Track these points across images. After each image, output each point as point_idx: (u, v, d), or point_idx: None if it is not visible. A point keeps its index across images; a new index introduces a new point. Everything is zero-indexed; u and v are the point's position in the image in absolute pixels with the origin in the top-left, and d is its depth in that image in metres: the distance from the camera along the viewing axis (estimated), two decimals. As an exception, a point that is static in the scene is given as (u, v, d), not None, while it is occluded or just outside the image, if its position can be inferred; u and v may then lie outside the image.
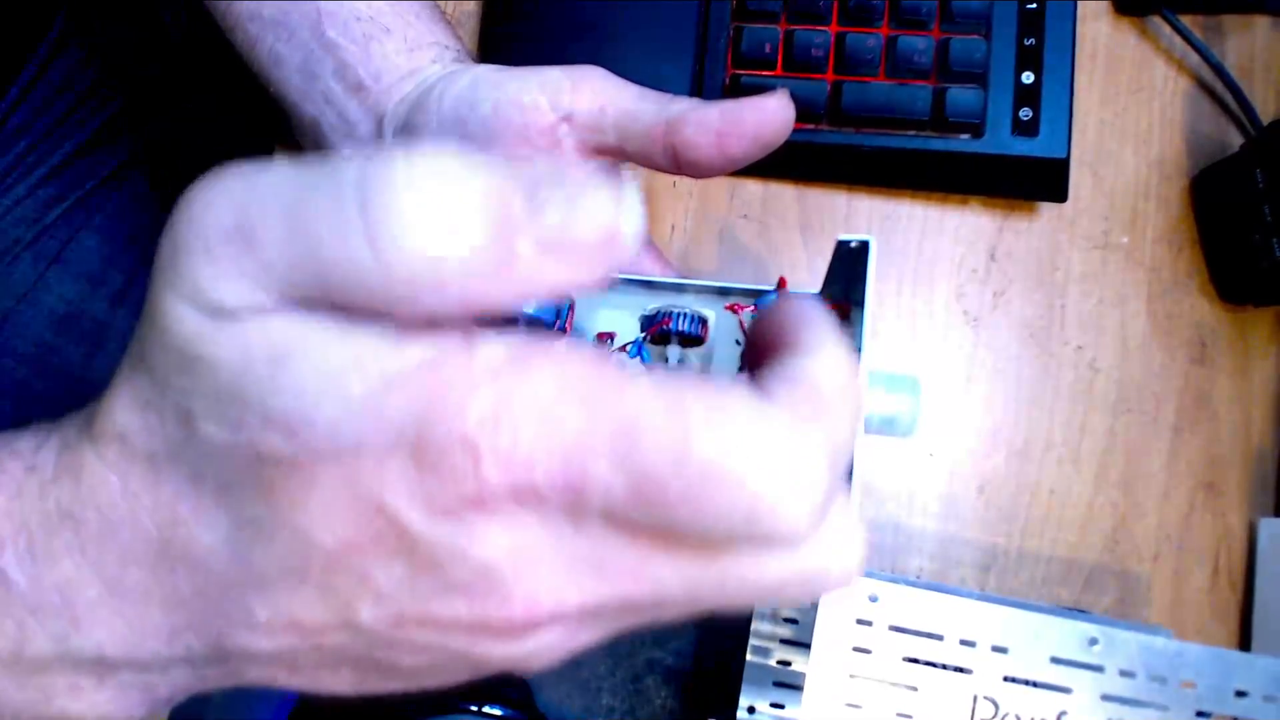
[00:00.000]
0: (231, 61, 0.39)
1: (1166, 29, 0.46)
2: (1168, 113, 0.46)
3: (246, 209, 0.15)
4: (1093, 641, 0.31)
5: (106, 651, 0.19)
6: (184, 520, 0.18)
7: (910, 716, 0.31)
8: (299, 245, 0.15)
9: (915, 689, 0.31)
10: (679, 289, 0.33)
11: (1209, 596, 0.43)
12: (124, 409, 0.18)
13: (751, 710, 0.39)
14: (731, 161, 0.30)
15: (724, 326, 0.34)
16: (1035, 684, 0.31)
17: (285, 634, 0.18)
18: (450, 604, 0.17)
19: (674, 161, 0.31)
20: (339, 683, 0.20)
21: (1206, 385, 0.44)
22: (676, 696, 0.43)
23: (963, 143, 0.43)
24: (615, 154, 0.32)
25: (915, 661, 0.31)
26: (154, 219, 0.58)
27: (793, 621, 0.40)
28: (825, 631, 0.31)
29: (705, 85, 0.44)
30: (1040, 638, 0.31)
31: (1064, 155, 0.43)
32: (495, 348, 0.16)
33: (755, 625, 0.40)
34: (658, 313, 0.33)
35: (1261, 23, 0.46)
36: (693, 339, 0.33)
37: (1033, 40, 0.43)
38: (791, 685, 0.39)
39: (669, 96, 0.31)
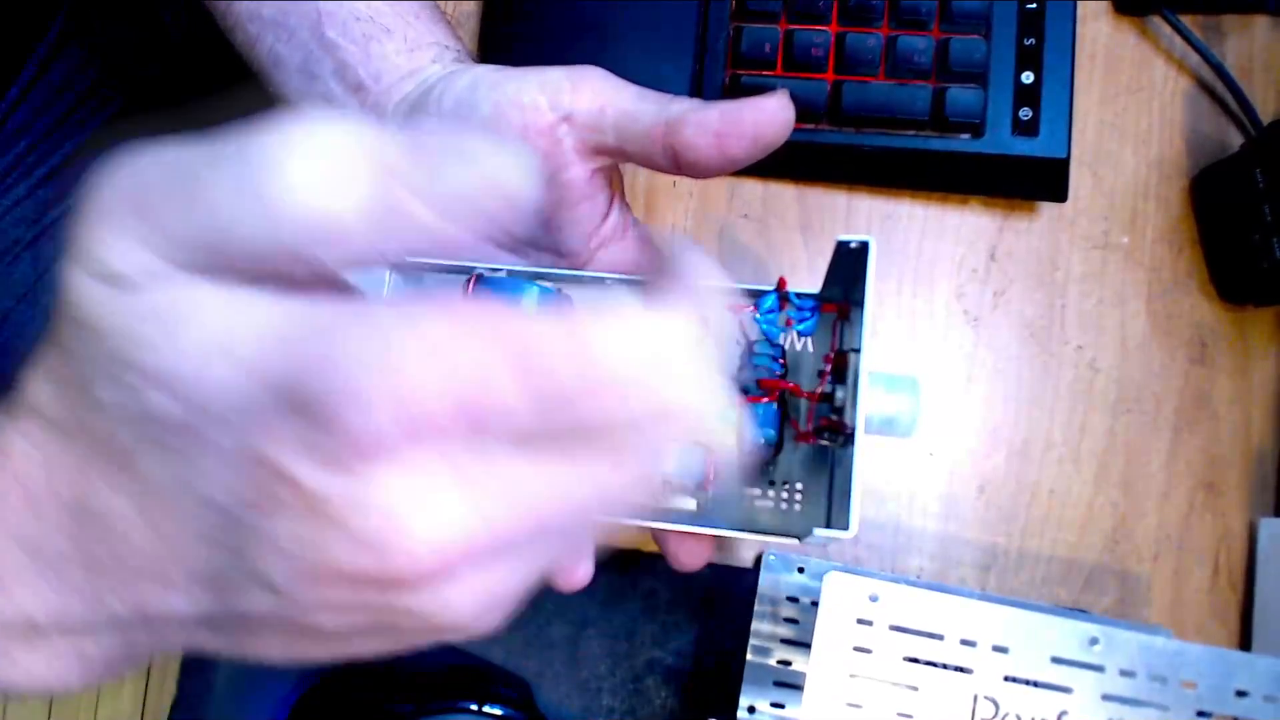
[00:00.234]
0: (231, 61, 0.39)
1: (1166, 29, 0.46)
2: (1167, 113, 0.46)
3: (142, 178, 0.16)
4: (1093, 641, 0.31)
5: (33, 615, 0.20)
6: (96, 488, 0.18)
7: (911, 716, 0.31)
8: (191, 208, 0.16)
9: (916, 689, 0.31)
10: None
11: (1209, 596, 0.43)
12: (37, 382, 0.19)
13: (752, 710, 0.39)
14: (731, 162, 0.30)
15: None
16: (1036, 684, 0.31)
17: (202, 595, 0.18)
18: (356, 557, 0.16)
19: (674, 162, 0.31)
20: (268, 648, 0.20)
21: (1206, 385, 0.44)
22: (676, 696, 0.43)
23: (963, 143, 0.43)
24: (615, 154, 0.32)
25: (916, 661, 0.31)
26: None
27: (793, 621, 0.40)
28: (825, 631, 0.31)
29: (705, 85, 0.44)
30: (1041, 637, 0.31)
31: (1064, 155, 0.43)
32: (377, 302, 0.17)
33: (755, 625, 0.40)
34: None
35: (1261, 22, 0.46)
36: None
37: (1032, 40, 0.43)
38: (792, 685, 0.39)
39: (669, 97, 0.31)
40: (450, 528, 0.16)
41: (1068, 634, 0.31)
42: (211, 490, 0.17)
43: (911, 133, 0.43)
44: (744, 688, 0.39)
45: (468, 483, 0.16)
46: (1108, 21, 0.47)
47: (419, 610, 0.18)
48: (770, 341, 0.33)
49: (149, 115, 0.59)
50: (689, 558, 0.33)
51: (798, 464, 0.33)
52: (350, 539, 0.16)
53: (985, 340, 0.45)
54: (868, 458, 0.44)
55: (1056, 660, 0.31)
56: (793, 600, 0.40)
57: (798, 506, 0.33)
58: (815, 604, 0.33)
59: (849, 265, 0.30)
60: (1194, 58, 0.46)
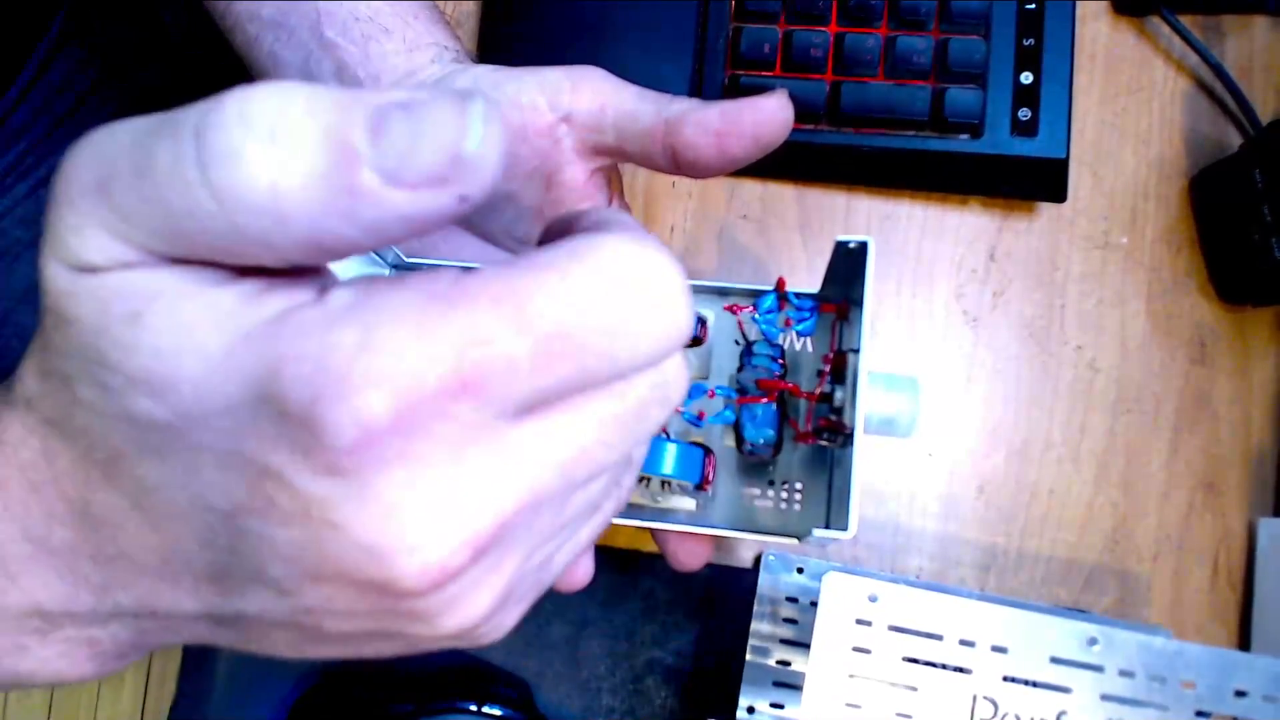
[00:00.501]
0: (231, 62, 0.39)
1: (1165, 29, 0.46)
2: (1167, 113, 0.46)
3: (104, 160, 0.15)
4: (1092, 641, 0.31)
5: (43, 604, 0.19)
6: (95, 483, 0.18)
7: (910, 716, 0.31)
8: (147, 190, 0.15)
9: (915, 689, 0.31)
10: None
11: (1208, 596, 0.43)
12: (30, 374, 0.18)
13: (751, 710, 0.39)
14: (731, 162, 0.30)
15: (723, 326, 0.34)
16: (1035, 684, 0.31)
17: (208, 593, 0.18)
18: (359, 563, 0.16)
19: (673, 162, 0.31)
20: (275, 645, 0.19)
21: (1206, 385, 0.44)
22: (676, 696, 0.43)
23: (962, 143, 0.43)
24: (614, 154, 0.32)
25: (915, 661, 0.31)
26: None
27: (792, 622, 0.40)
28: (825, 631, 0.31)
29: (704, 85, 0.44)
30: (1040, 638, 0.31)
31: (1063, 155, 0.43)
32: (344, 289, 0.16)
33: (755, 625, 0.40)
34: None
35: (1260, 23, 0.46)
36: (692, 339, 0.33)
37: (1032, 40, 0.43)
38: (791, 685, 0.39)
39: (668, 97, 0.31)
40: (454, 524, 0.16)
41: (1067, 634, 0.31)
42: (206, 493, 0.16)
43: (911, 133, 0.43)
44: (743, 688, 0.39)
45: (468, 468, 0.16)
46: (1107, 22, 0.47)
47: (428, 615, 0.17)
48: (769, 341, 0.33)
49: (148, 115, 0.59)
50: (689, 558, 0.33)
51: (797, 464, 0.33)
52: (351, 544, 0.15)
53: (985, 340, 0.45)
54: (867, 458, 0.44)
55: (1056, 660, 0.31)
56: (792, 600, 0.40)
57: (797, 506, 0.33)
58: (814, 604, 0.33)
59: (848, 265, 0.30)
60: (1193, 58, 0.46)
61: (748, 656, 0.39)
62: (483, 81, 0.33)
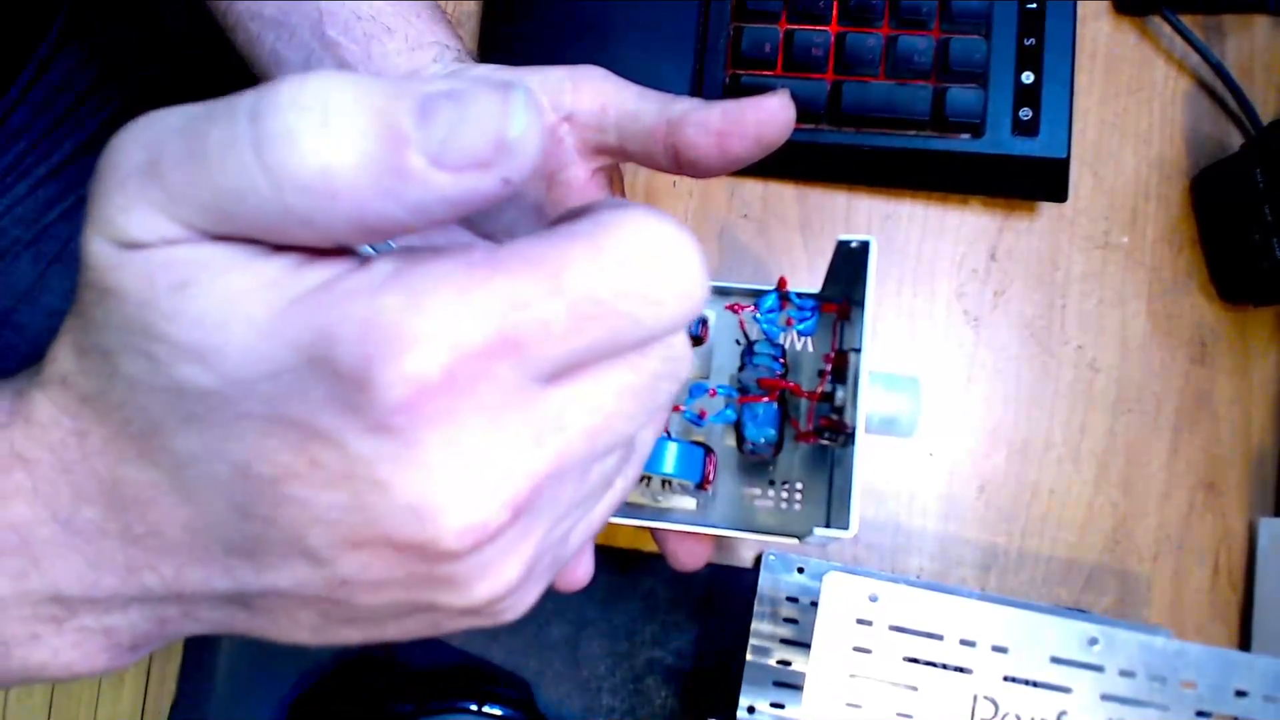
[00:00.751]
0: (232, 61, 0.38)
1: (1166, 29, 0.46)
2: (1168, 112, 0.46)
3: (154, 143, 0.16)
4: (1093, 641, 0.31)
5: (64, 589, 0.19)
6: (129, 459, 0.18)
7: (910, 716, 0.31)
8: (199, 170, 0.15)
9: (915, 689, 0.31)
10: None
11: (1209, 596, 0.43)
12: (64, 352, 0.18)
13: (751, 710, 0.39)
14: (733, 161, 0.30)
15: (724, 326, 0.34)
16: (1035, 684, 0.31)
17: (239, 569, 0.18)
18: (401, 522, 0.16)
19: (675, 161, 0.31)
20: (298, 627, 0.19)
21: (1206, 385, 0.44)
22: (676, 696, 0.43)
23: (963, 143, 0.43)
24: (616, 154, 0.32)
25: (915, 661, 0.31)
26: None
27: (793, 621, 0.40)
28: (825, 631, 0.31)
29: (705, 85, 0.44)
30: (1040, 637, 0.31)
31: (1064, 155, 0.43)
32: (384, 259, 0.16)
33: (755, 625, 0.40)
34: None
35: (1261, 22, 0.46)
36: (693, 339, 0.33)
37: (1033, 40, 0.43)
38: (791, 685, 0.39)
39: (670, 96, 0.31)
40: (494, 484, 0.16)
41: (1067, 634, 0.31)
42: (248, 459, 0.17)
43: (912, 133, 0.43)
44: (743, 688, 0.39)
45: (506, 429, 0.16)
46: (1108, 21, 0.47)
47: (461, 581, 0.17)
48: (771, 341, 0.33)
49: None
50: (689, 558, 0.33)
51: (797, 464, 0.33)
52: (395, 504, 0.16)
53: (985, 340, 0.45)
54: (868, 457, 0.44)
55: (1056, 660, 0.31)
56: (792, 600, 0.40)
57: (797, 506, 0.33)
58: (815, 604, 0.33)
59: (850, 265, 0.30)
60: (1194, 58, 0.46)
61: (748, 656, 0.39)
62: (484, 81, 0.33)
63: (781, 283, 0.33)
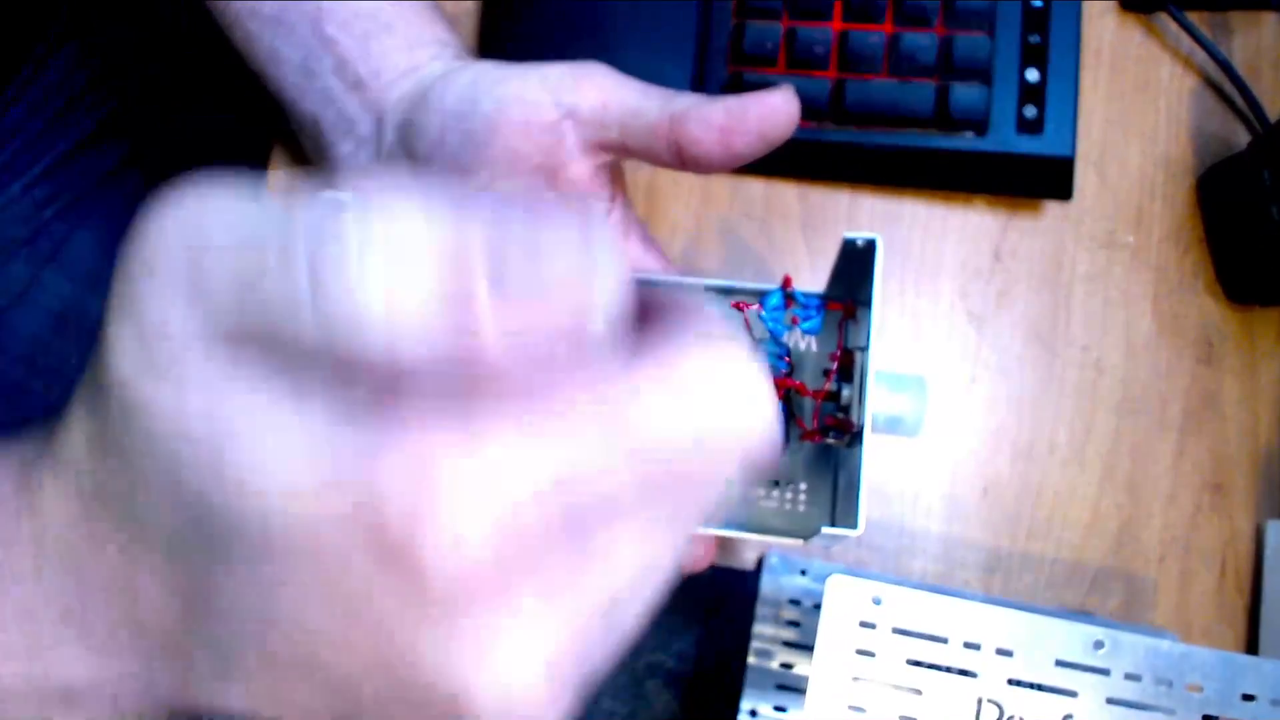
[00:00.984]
0: (231, 59, 0.38)
1: (1173, 26, 0.46)
2: (1174, 110, 0.46)
3: (198, 232, 0.14)
4: (1098, 644, 0.31)
5: (74, 685, 0.18)
6: (142, 570, 0.16)
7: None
8: (245, 295, 0.14)
9: (919, 692, 0.31)
10: (680, 288, 0.33)
11: (1216, 599, 0.43)
12: (76, 438, 0.17)
13: (753, 713, 0.38)
14: (736, 157, 0.30)
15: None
16: (1040, 687, 0.31)
17: (253, 702, 0.17)
18: (438, 706, 0.15)
19: (678, 157, 0.30)
20: None
21: (1213, 385, 0.44)
22: (678, 700, 0.43)
23: (967, 141, 0.43)
24: (618, 150, 0.32)
25: (919, 664, 0.31)
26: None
27: (795, 624, 0.40)
28: (828, 634, 0.31)
29: (706, 83, 0.44)
30: (1045, 641, 0.31)
31: (1069, 153, 0.42)
32: (444, 411, 0.14)
33: (757, 628, 0.39)
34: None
35: (1269, 20, 0.46)
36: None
37: (1038, 37, 0.43)
38: (794, 688, 0.39)
39: (672, 92, 0.31)
40: (547, 676, 0.15)
41: (1073, 637, 0.31)
42: (283, 622, 0.15)
43: (915, 131, 0.43)
44: (745, 691, 0.38)
45: (559, 612, 0.15)
46: (1114, 19, 0.46)
47: None
48: (776, 340, 0.33)
49: (146, 114, 0.59)
50: (691, 560, 0.33)
51: (801, 464, 0.33)
52: (431, 692, 0.15)
53: (989, 340, 0.44)
54: (872, 458, 0.44)
55: (1061, 664, 0.31)
56: (795, 603, 0.40)
57: (802, 507, 0.33)
58: (817, 607, 0.32)
59: (855, 264, 0.30)
60: (1201, 55, 0.45)
61: (750, 659, 0.39)
62: (485, 78, 0.33)
63: (786, 281, 0.33)
